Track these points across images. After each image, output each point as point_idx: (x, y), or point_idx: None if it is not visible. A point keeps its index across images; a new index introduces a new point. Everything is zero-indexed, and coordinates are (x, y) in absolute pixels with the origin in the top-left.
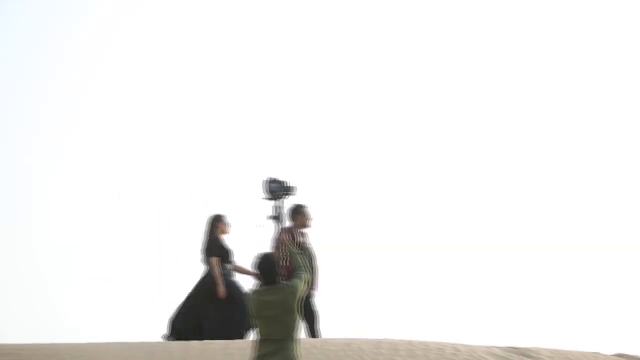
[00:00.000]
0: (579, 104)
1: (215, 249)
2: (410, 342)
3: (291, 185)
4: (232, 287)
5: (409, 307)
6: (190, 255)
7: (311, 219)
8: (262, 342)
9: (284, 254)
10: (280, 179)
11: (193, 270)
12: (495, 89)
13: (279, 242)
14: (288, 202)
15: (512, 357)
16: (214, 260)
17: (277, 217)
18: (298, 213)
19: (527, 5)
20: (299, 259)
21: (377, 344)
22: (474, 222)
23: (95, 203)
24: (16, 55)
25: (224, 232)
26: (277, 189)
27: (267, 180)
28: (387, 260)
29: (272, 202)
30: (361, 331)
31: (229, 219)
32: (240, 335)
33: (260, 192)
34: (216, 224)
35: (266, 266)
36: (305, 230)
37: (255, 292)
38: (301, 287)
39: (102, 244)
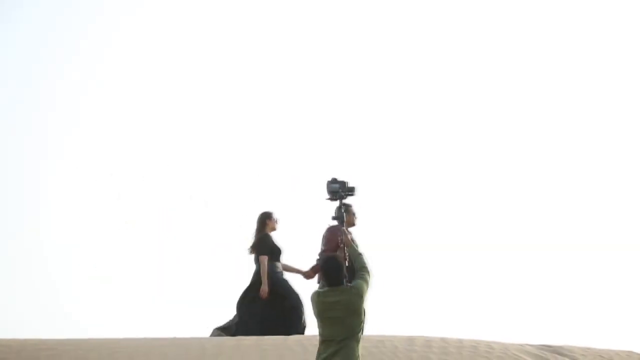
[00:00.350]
0: (579, 104)
1: (265, 247)
2: (444, 340)
3: (352, 185)
4: (282, 286)
5: (443, 305)
6: (190, 255)
7: (357, 218)
8: (324, 343)
9: (346, 254)
10: (341, 179)
11: (193, 270)
12: (498, 90)
13: (334, 242)
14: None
15: (545, 355)
16: (264, 258)
17: (339, 218)
18: (346, 212)
19: (527, 6)
20: (363, 260)
21: (410, 341)
22: (505, 222)
23: (95, 203)
24: (17, 57)
25: (273, 229)
26: (338, 190)
27: (328, 181)
28: (422, 258)
29: (335, 203)
30: (395, 328)
31: (277, 215)
32: (283, 333)
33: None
34: (266, 221)
35: (331, 267)
36: (351, 229)
37: (319, 293)
38: (366, 288)
39: (102, 244)
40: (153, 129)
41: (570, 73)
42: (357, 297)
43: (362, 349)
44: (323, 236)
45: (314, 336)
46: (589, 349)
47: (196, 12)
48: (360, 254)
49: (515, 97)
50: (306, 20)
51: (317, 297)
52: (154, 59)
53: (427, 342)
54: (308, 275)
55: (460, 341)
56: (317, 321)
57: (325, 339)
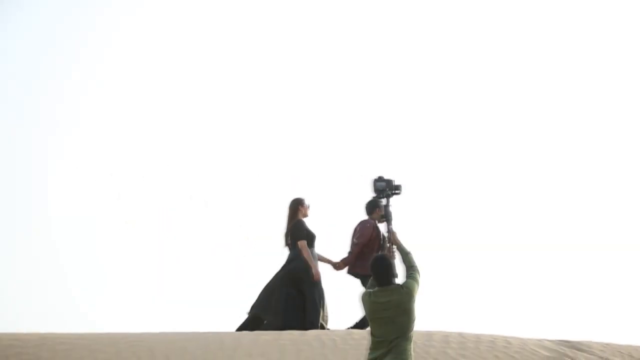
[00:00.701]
0: (581, 105)
1: (300, 232)
2: (461, 335)
3: (398, 183)
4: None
5: (461, 300)
6: (190, 255)
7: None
8: (376, 343)
9: (393, 253)
10: (387, 177)
11: (193, 270)
12: (497, 90)
13: (366, 235)
14: (396, 200)
15: (563, 350)
16: (303, 243)
17: (384, 215)
18: (377, 206)
19: (527, 6)
20: (412, 259)
21: (429, 336)
22: (523, 219)
23: (95, 203)
24: (17, 57)
25: (305, 215)
26: (384, 188)
27: (374, 179)
28: (439, 256)
29: (381, 201)
30: None
31: (309, 201)
32: (302, 326)
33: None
34: (298, 207)
35: (381, 267)
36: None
37: (369, 294)
38: (417, 287)
39: (102, 244)
40: (153, 129)
41: (572, 73)
42: (407, 297)
43: None
44: (355, 229)
45: (332, 331)
46: (607, 344)
47: (196, 12)
48: (408, 253)
49: (515, 97)
50: (307, 19)
51: (367, 298)
52: (154, 59)
53: (445, 338)
54: (338, 266)
55: (478, 336)
56: (369, 321)
57: (377, 339)
